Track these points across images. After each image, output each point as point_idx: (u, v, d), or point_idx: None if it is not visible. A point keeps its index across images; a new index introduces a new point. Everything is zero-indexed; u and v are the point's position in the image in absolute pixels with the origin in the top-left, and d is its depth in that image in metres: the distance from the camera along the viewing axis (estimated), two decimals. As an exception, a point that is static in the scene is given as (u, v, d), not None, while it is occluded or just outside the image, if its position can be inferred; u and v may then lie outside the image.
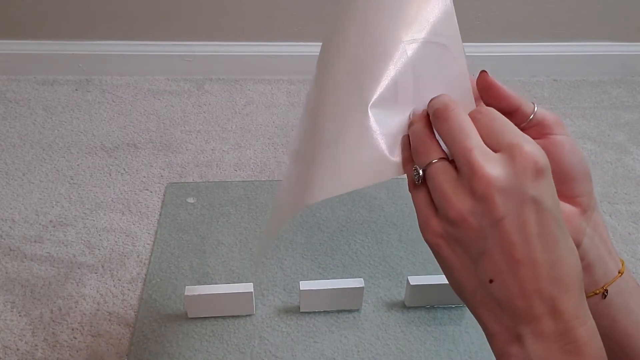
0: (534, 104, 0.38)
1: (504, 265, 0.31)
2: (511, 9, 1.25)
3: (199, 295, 0.69)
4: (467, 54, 0.39)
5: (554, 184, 0.32)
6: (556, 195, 0.32)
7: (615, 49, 1.33)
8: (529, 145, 0.31)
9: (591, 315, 0.32)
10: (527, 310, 0.31)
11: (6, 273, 0.78)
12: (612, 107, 1.25)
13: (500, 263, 0.31)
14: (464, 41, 0.40)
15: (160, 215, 0.88)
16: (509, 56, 1.29)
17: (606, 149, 1.11)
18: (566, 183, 0.37)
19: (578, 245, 0.37)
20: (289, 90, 1.24)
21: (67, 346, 0.69)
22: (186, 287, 0.70)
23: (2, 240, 0.83)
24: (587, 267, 0.38)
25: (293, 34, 1.23)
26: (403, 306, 0.75)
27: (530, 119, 0.37)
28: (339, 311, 0.74)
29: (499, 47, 1.29)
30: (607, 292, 0.38)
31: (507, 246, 0.31)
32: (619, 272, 0.38)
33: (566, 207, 0.37)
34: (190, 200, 0.91)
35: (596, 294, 0.38)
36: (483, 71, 0.38)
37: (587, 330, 0.31)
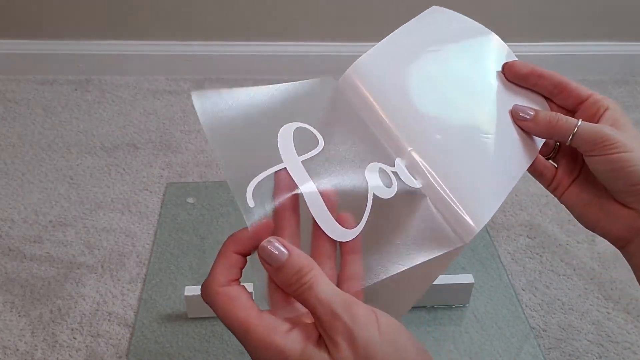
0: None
1: None
2: (512, 9, 1.25)
3: (199, 295, 0.69)
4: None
5: None
6: None
7: (616, 49, 1.33)
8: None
9: None
10: None
11: (5, 273, 0.78)
12: (612, 107, 1.25)
13: None
14: None
15: (160, 215, 0.88)
16: (509, 56, 1.29)
17: (606, 149, 1.10)
18: (614, 194, 0.42)
19: (629, 242, 0.42)
20: (289, 90, 1.23)
21: (67, 346, 0.69)
22: (186, 287, 0.70)
23: (2, 240, 0.83)
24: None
25: (293, 34, 1.23)
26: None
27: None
28: (339, 311, 0.74)
29: (499, 47, 1.28)
30: None
31: None
32: None
33: (616, 208, 0.42)
34: (190, 200, 0.91)
35: None
36: (518, 63, 0.45)
37: None
